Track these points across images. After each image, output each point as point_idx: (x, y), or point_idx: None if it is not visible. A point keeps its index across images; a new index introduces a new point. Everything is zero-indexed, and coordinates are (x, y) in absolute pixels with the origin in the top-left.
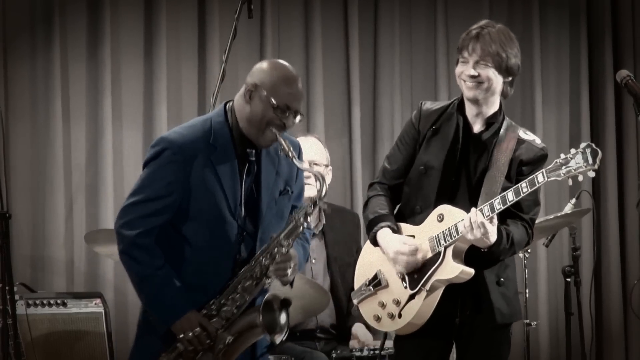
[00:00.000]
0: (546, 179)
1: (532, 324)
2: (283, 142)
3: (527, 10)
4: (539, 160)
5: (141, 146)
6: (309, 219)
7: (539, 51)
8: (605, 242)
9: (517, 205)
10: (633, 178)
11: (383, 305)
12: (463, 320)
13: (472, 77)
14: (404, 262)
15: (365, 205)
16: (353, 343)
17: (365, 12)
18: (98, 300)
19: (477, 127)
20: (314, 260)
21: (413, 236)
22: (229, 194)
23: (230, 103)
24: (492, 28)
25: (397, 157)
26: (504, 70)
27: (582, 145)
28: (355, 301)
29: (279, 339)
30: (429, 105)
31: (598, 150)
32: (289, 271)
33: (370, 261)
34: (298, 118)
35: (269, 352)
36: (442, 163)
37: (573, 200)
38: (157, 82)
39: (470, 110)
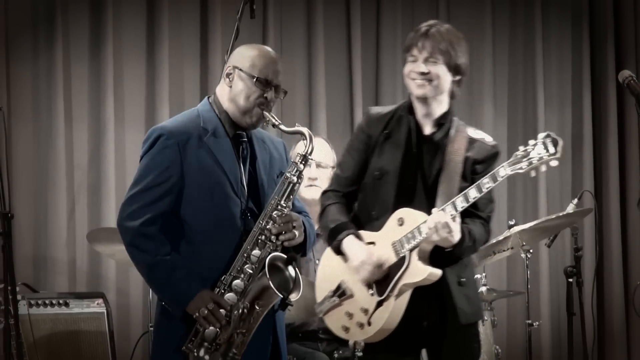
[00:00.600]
0: (508, 172)
1: (534, 324)
2: (268, 115)
3: (529, 11)
4: (491, 158)
5: None
6: (302, 175)
7: (541, 52)
8: (607, 242)
9: (473, 204)
10: (635, 178)
11: (350, 316)
12: (430, 324)
13: (422, 74)
14: (368, 272)
15: (322, 214)
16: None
17: (368, 12)
18: (100, 300)
19: (427, 129)
20: (317, 262)
21: (374, 243)
22: (229, 173)
23: (212, 96)
24: (440, 27)
25: (349, 163)
26: (453, 68)
27: (541, 135)
28: (319, 313)
29: (296, 296)
30: (377, 109)
31: (558, 138)
32: (296, 232)
33: (331, 271)
34: (281, 93)
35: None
36: (398, 167)
37: (575, 201)
38: (159, 82)
39: (419, 111)
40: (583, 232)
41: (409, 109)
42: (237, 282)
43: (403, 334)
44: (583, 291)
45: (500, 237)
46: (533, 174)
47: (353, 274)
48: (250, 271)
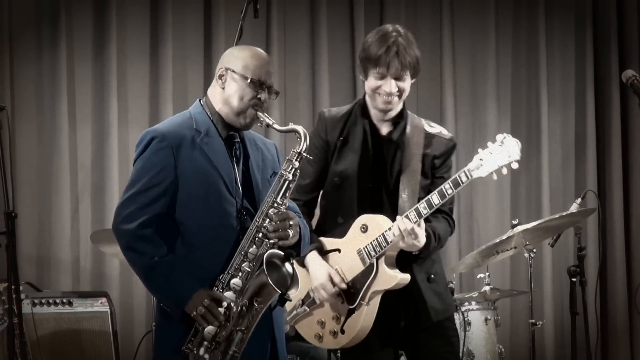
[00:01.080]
0: (470, 177)
1: (538, 323)
2: (262, 115)
3: (532, 11)
4: (449, 151)
5: None
6: (297, 173)
7: (545, 52)
8: (610, 242)
9: None
10: (638, 178)
11: (322, 324)
12: (407, 323)
13: (391, 93)
14: (323, 297)
15: None
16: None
17: (371, 13)
18: (104, 300)
19: (384, 129)
20: None
21: (338, 250)
22: (223, 173)
23: (204, 97)
24: (400, 37)
25: (308, 170)
26: (416, 74)
27: (500, 137)
28: (290, 322)
29: (294, 292)
30: (332, 112)
31: (516, 140)
32: (290, 231)
33: (300, 279)
34: (273, 94)
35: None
36: (356, 171)
37: (578, 200)
38: (162, 82)
39: (376, 114)
40: (586, 231)
41: (363, 110)
42: (235, 280)
43: (381, 336)
44: (586, 290)
45: (504, 237)
46: (495, 177)
47: None
48: (248, 269)
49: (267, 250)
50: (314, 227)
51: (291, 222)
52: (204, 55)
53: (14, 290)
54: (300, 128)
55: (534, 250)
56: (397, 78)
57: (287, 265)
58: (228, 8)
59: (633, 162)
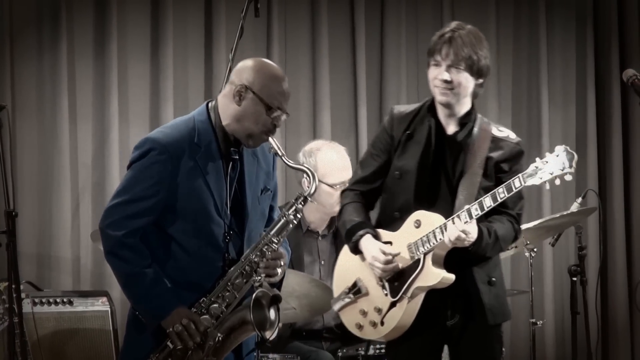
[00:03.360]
0: (523, 183)
1: (538, 323)
2: (273, 142)
3: (533, 10)
4: (516, 156)
5: None
6: (298, 215)
7: (545, 51)
8: (611, 241)
9: (502, 201)
10: (639, 177)
11: (364, 314)
12: (454, 323)
13: (445, 81)
14: (378, 269)
15: (340, 213)
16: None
17: (372, 12)
18: (104, 299)
19: (450, 129)
20: (322, 262)
21: (390, 242)
22: (215, 193)
23: (213, 102)
24: (462, 30)
25: (370, 163)
26: (476, 72)
27: (558, 148)
28: (335, 308)
29: (269, 335)
30: (401, 109)
31: (574, 153)
32: (279, 270)
33: (348, 268)
34: (284, 117)
35: (263, 350)
36: (416, 167)
37: (579, 200)
38: (163, 80)
39: (442, 112)
40: (587, 231)
41: (431, 108)
42: (214, 306)
43: (426, 332)
44: (587, 290)
45: None
46: (547, 186)
47: (369, 272)
48: (229, 300)
49: (253, 285)
50: (373, 221)
51: (282, 262)
52: (204, 53)
53: (15, 289)
54: (310, 170)
55: (535, 249)
56: (451, 67)
57: (272, 309)
58: (229, 7)
59: (634, 161)
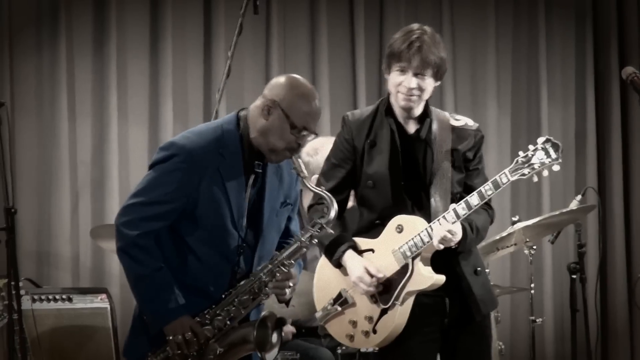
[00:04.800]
0: (510, 179)
1: (538, 320)
2: (296, 162)
3: (532, 8)
4: (478, 142)
5: (147, 142)
6: (314, 241)
7: (545, 49)
8: (610, 238)
9: (470, 189)
10: (638, 175)
11: (354, 324)
12: (452, 320)
13: (411, 89)
14: (364, 289)
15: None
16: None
17: (371, 9)
18: (104, 296)
19: (411, 127)
20: None
21: (372, 250)
22: (234, 206)
23: (244, 112)
24: (426, 35)
25: (334, 174)
26: (439, 76)
27: (541, 140)
28: (321, 322)
29: (269, 357)
30: (355, 115)
31: (558, 143)
32: (287, 291)
33: (329, 279)
34: (312, 137)
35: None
36: (387, 173)
37: (578, 197)
38: (162, 78)
39: (401, 113)
40: (586, 228)
41: (388, 110)
42: (219, 319)
43: (422, 335)
44: (586, 287)
45: (504, 234)
46: (535, 179)
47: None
48: (235, 314)
49: (258, 302)
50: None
51: (291, 284)
52: (203, 51)
53: (14, 286)
54: (329, 197)
55: (534, 247)
56: (418, 74)
57: (275, 333)
58: (228, 4)
59: (633, 159)
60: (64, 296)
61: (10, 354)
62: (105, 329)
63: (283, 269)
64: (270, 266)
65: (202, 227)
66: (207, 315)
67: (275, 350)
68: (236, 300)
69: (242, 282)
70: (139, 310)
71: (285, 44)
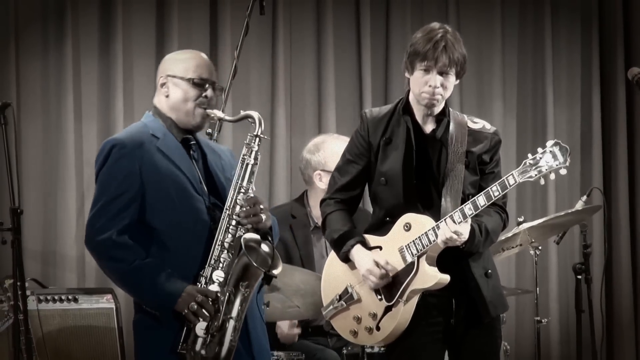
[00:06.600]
0: (517, 181)
1: (543, 321)
2: (211, 111)
3: (538, 9)
4: (495, 146)
5: None
6: (257, 155)
7: (551, 49)
8: (616, 239)
9: None
10: None
11: (358, 320)
12: (458, 320)
13: (436, 87)
14: (373, 282)
15: (324, 223)
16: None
17: (378, 11)
18: (109, 296)
19: (428, 127)
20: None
21: (380, 247)
22: (187, 172)
23: (152, 109)
24: (449, 34)
25: (348, 170)
26: (461, 74)
27: (550, 143)
28: (327, 317)
29: (276, 270)
30: (373, 113)
31: (567, 147)
32: (262, 215)
33: (336, 275)
34: (218, 90)
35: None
36: (400, 171)
37: (584, 198)
38: None
39: (420, 112)
40: (592, 229)
41: (406, 108)
42: (217, 272)
43: (429, 334)
44: (592, 288)
45: (509, 234)
46: (542, 182)
47: (360, 279)
48: (228, 258)
49: (242, 235)
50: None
51: (262, 206)
52: (210, 51)
53: (20, 286)
54: (254, 113)
55: (540, 247)
56: (442, 73)
57: (265, 246)
58: (234, 5)
59: (639, 160)
60: (69, 296)
61: (15, 354)
62: (111, 330)
63: (246, 193)
64: (232, 195)
65: (167, 203)
66: (204, 275)
67: (279, 261)
68: (220, 245)
69: (217, 228)
70: (138, 311)
71: (291, 45)
